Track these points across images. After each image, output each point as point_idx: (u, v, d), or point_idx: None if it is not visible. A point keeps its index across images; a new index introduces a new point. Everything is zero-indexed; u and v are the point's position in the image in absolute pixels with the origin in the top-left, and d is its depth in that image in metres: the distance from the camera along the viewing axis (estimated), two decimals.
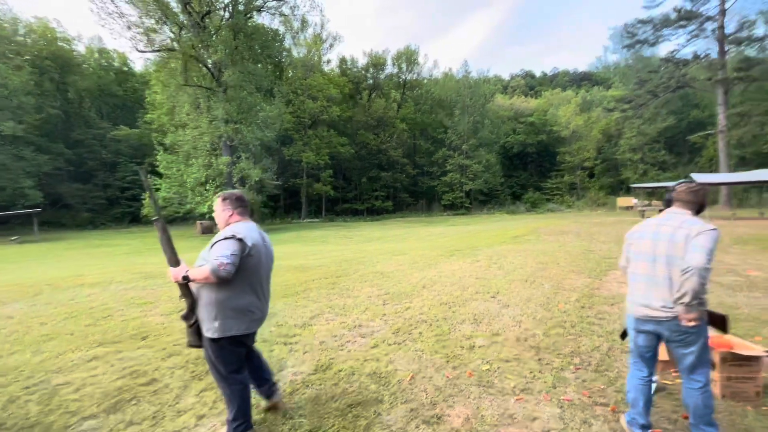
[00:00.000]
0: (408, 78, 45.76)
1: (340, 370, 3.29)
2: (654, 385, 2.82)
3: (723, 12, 26.78)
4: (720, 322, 2.30)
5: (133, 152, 34.68)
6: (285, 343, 3.93)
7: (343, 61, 44.60)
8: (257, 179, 23.39)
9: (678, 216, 2.25)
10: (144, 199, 22.24)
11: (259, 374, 2.61)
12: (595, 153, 39.10)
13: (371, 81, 45.56)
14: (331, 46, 40.26)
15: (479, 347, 3.75)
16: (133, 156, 34.44)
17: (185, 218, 31.96)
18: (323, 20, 42.57)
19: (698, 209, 2.29)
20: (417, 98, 45.65)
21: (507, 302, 5.24)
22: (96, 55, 39.34)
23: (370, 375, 3.20)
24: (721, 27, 26.90)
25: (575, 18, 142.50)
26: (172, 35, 23.95)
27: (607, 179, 38.47)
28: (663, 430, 2.41)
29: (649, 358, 2.37)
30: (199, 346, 2.32)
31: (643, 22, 29.73)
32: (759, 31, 28.29)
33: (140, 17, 22.60)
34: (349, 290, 6.23)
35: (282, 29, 32.07)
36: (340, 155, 37.35)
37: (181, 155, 23.27)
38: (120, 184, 34.12)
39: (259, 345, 3.85)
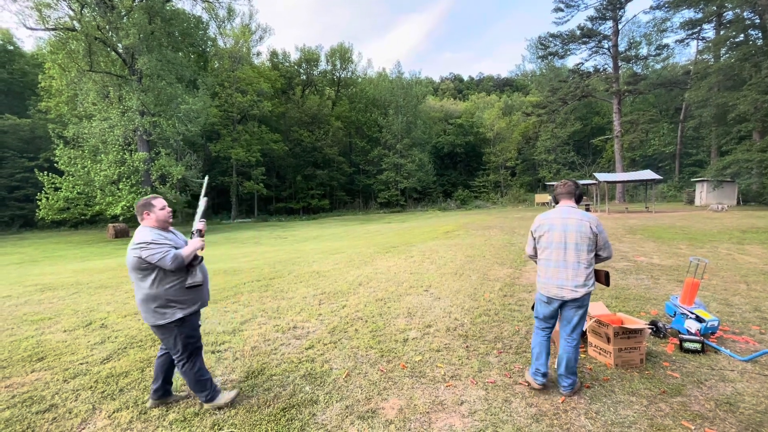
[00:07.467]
0: (342, 75, 45.41)
1: (273, 375, 3.20)
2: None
3: (616, 32, 30.86)
4: (604, 277, 2.86)
5: (23, 146, 29.84)
6: (213, 352, 3.71)
7: (274, 54, 42.91)
8: (179, 177, 21.55)
9: (574, 210, 2.79)
10: (40, 199, 19.16)
11: None
12: (516, 153, 42.50)
13: (304, 77, 44.43)
14: (261, 38, 38.58)
15: (412, 339, 3.90)
16: (24, 150, 29.68)
17: (93, 221, 28.48)
18: (252, 10, 40.85)
19: (579, 197, 2.88)
20: (352, 96, 45.49)
21: (438, 295, 5.51)
22: None
23: (304, 376, 3.16)
24: (615, 45, 30.98)
25: (499, 28, 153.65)
26: (71, 12, 21.01)
27: (526, 177, 42.07)
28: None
29: (552, 322, 2.90)
30: None
31: (553, 36, 33.02)
32: (643, 51, 33.20)
33: None
34: (283, 292, 6.05)
35: (206, 17, 29.77)
36: (273, 152, 35.97)
37: (86, 150, 20.56)
38: (7, 183, 29.00)
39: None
